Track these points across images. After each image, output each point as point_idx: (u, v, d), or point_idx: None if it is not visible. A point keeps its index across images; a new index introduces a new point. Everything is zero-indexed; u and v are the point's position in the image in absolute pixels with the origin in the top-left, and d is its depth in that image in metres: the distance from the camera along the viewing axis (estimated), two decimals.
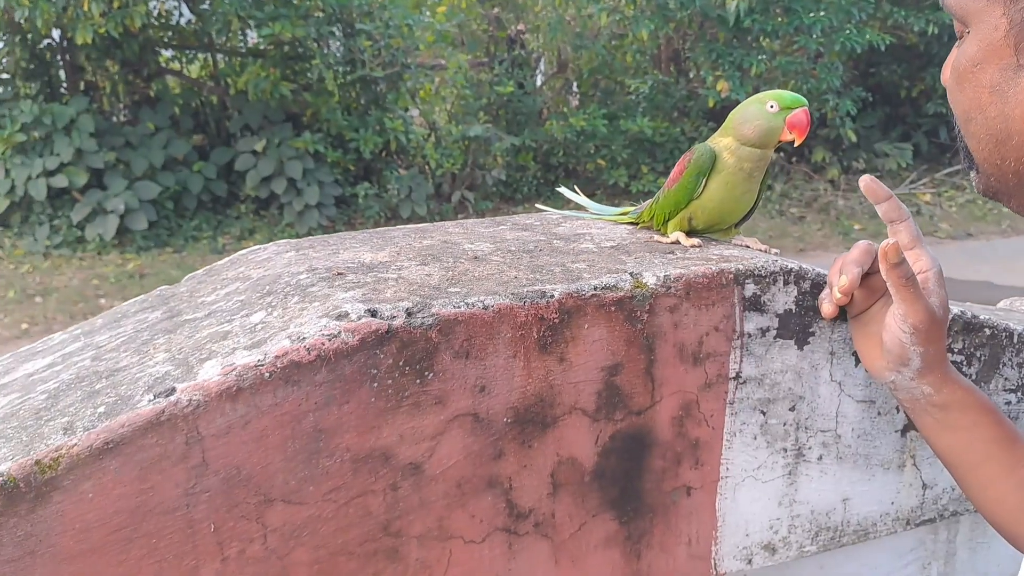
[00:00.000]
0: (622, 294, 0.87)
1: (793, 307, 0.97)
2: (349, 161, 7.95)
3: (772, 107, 0.96)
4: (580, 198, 1.24)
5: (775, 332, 0.97)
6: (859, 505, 1.08)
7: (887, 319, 0.87)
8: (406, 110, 8.49)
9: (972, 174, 0.75)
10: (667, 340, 0.91)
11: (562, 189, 1.29)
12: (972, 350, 1.09)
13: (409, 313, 0.78)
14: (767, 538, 1.03)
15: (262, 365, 0.73)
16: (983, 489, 0.87)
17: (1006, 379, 1.13)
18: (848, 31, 8.47)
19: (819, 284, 0.98)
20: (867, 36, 8.49)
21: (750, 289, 0.94)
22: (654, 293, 0.89)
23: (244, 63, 8.00)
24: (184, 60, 8.57)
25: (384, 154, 8.25)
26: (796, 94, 0.97)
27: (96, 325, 0.98)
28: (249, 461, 0.73)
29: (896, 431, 1.08)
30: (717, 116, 9.22)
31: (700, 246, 1.01)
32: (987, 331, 1.10)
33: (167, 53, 8.47)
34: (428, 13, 8.90)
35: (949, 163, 10.02)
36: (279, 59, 7.70)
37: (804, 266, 0.97)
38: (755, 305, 0.95)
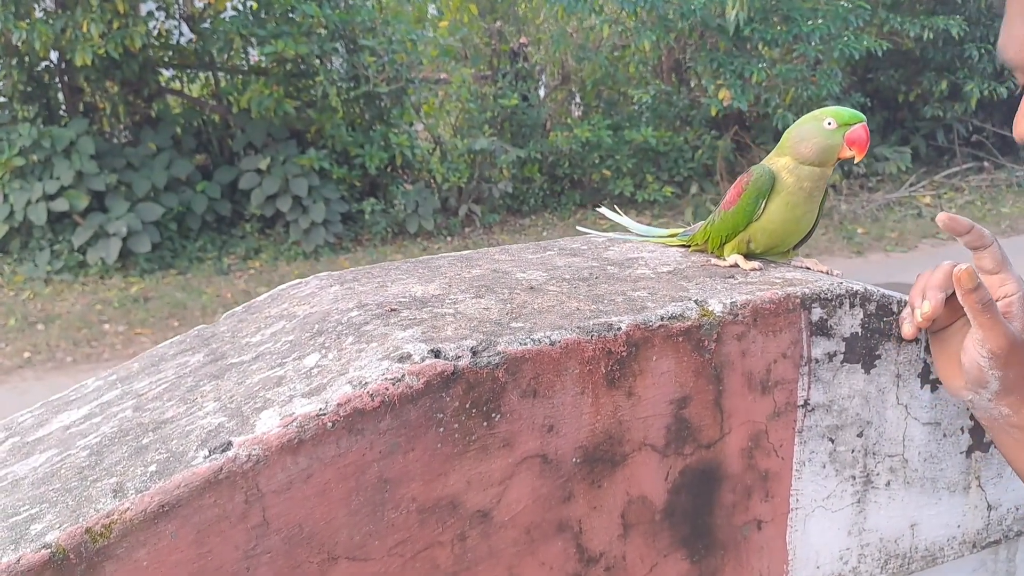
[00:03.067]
0: (689, 323, 0.83)
1: (859, 330, 0.93)
2: (355, 177, 7.92)
3: (829, 124, 0.92)
4: (623, 219, 1.21)
5: (842, 357, 0.93)
6: (927, 530, 1.04)
7: (966, 342, 0.85)
8: (411, 125, 8.46)
9: None
10: (735, 369, 0.87)
11: (603, 209, 1.25)
12: None
13: (474, 352, 0.74)
14: (837, 569, 0.99)
15: (324, 414, 0.69)
16: None
17: None
18: (846, 38, 8.48)
19: (884, 306, 0.94)
20: (864, 42, 8.50)
21: (817, 313, 0.90)
22: (721, 321, 0.85)
23: (246, 81, 7.97)
24: (185, 79, 8.55)
25: (390, 169, 8.22)
26: (854, 110, 0.93)
27: (133, 370, 0.94)
28: (311, 517, 0.69)
29: (961, 452, 1.04)
30: (719, 124, 9.20)
31: (760, 269, 0.97)
32: None
33: (167, 73, 8.45)
34: (431, 28, 8.89)
35: (947, 165, 10.01)
36: (282, 76, 7.67)
37: (869, 288, 0.93)
38: (822, 330, 0.91)
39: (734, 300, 0.86)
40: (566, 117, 9.75)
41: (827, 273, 0.97)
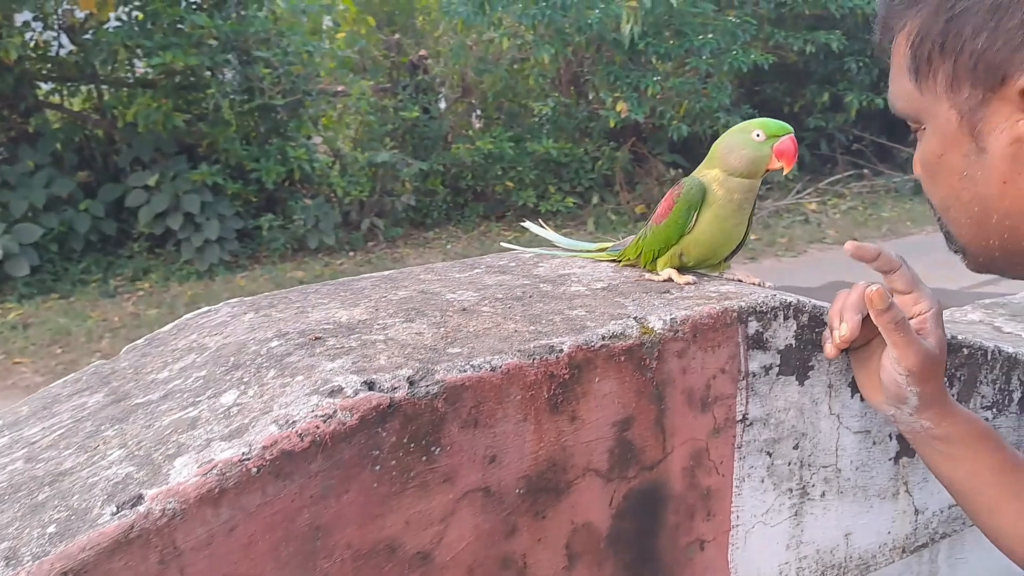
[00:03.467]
0: (631, 342, 0.80)
1: (793, 342, 0.92)
2: (250, 193, 7.67)
3: (758, 136, 0.91)
4: (548, 233, 1.17)
5: (777, 369, 0.92)
6: (860, 538, 1.04)
7: (883, 360, 0.86)
8: (309, 138, 8.26)
9: (960, 256, 0.76)
10: (676, 387, 0.84)
11: (528, 224, 1.22)
12: (953, 371, 1.07)
13: (411, 382, 0.69)
14: None
15: (248, 459, 0.62)
16: (988, 515, 0.87)
17: (983, 397, 1.12)
18: (735, 52, 8.79)
19: (816, 317, 0.93)
20: (752, 56, 8.84)
21: (753, 327, 0.89)
22: (662, 338, 0.82)
23: (132, 94, 7.61)
24: (65, 93, 8.11)
25: (288, 184, 8.00)
26: (781, 122, 0.92)
27: (22, 414, 0.85)
28: (236, 573, 0.62)
29: (890, 459, 1.05)
30: (617, 136, 9.36)
31: (694, 283, 0.95)
32: (965, 351, 1.08)
33: (46, 86, 7.99)
34: (327, 40, 8.72)
35: (830, 173, 10.47)
36: (171, 89, 7.37)
37: (801, 299, 0.93)
38: (758, 343, 0.89)
39: (673, 316, 0.84)
40: (468, 129, 9.73)
41: (759, 285, 0.96)
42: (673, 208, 0.94)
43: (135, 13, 7.36)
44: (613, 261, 1.06)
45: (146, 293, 6.96)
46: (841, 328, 0.86)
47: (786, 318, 0.91)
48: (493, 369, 0.72)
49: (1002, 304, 1.59)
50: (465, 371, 0.71)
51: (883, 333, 0.83)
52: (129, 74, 7.81)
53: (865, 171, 10.54)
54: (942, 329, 0.87)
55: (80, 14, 7.37)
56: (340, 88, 8.48)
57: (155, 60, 6.88)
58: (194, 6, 7.38)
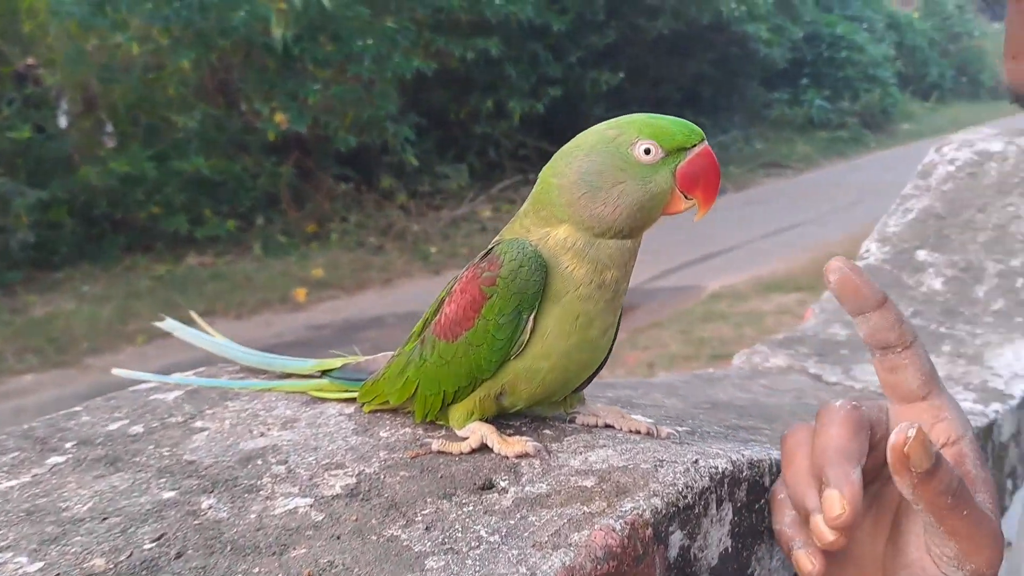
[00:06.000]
0: None
1: (730, 544, 0.48)
2: None
3: (647, 152, 0.46)
4: (217, 339, 0.62)
5: None
6: None
7: (912, 553, 0.47)
8: None
9: None
10: None
11: (168, 324, 0.65)
12: None
13: None
14: None
15: None
16: None
17: None
18: (397, 58, 8.57)
19: (755, 485, 0.50)
20: (414, 63, 8.68)
21: (676, 542, 0.43)
22: None
23: None
24: None
25: None
26: (683, 121, 0.47)
27: None
28: None
29: None
30: (279, 149, 8.65)
31: (540, 454, 0.46)
32: None
33: None
34: None
35: (500, 179, 10.71)
36: None
37: (734, 457, 0.49)
38: (684, 567, 0.44)
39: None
40: (98, 149, 8.38)
41: (651, 434, 0.50)
42: (484, 309, 0.44)
43: None
44: (348, 401, 0.54)
45: None
46: (831, 503, 0.43)
47: (720, 503, 0.46)
48: None
49: (797, 339, 1.33)
50: None
51: (929, 514, 0.42)
52: None
53: (531, 176, 10.85)
54: (984, 470, 0.48)
55: None
56: None
57: None
58: None
